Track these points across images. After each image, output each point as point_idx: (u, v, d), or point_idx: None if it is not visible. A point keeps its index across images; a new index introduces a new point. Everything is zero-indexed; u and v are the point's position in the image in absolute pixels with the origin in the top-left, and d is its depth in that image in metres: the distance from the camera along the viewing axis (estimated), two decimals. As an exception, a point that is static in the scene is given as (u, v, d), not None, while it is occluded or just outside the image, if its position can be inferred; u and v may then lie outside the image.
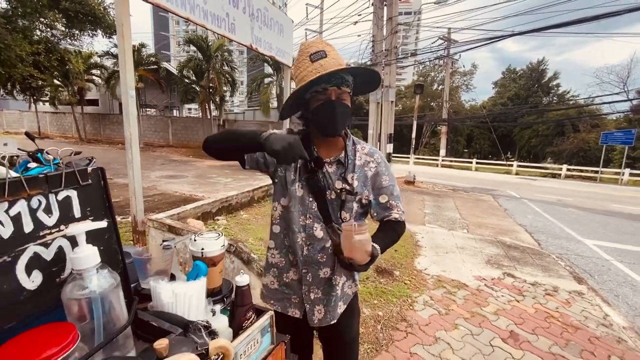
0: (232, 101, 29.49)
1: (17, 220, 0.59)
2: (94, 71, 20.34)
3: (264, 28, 5.04)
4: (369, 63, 13.95)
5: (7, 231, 0.57)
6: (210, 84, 17.18)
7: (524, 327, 2.70)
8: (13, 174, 0.68)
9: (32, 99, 18.68)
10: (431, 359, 2.25)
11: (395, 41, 12.93)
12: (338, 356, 1.26)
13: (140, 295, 0.76)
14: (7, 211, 0.58)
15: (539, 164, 23.19)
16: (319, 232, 1.12)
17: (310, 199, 1.12)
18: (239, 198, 5.47)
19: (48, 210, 0.64)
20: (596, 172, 17.40)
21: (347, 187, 1.10)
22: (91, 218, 0.69)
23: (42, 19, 7.45)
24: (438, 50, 19.57)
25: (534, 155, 30.90)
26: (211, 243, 0.84)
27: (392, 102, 12.66)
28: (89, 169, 0.68)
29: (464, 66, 33.10)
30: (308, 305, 1.18)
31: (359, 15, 16.05)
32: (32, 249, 0.61)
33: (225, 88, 18.64)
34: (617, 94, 22.27)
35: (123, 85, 3.00)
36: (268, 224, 1.23)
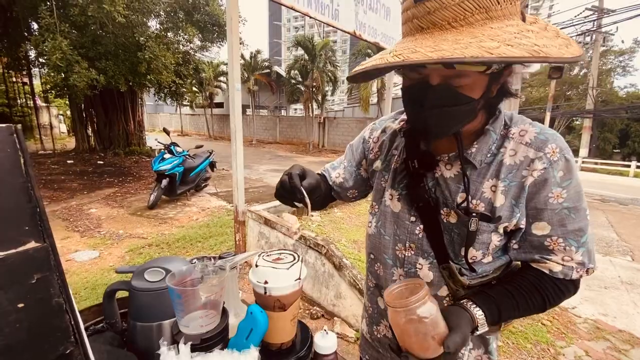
0: (333, 100, 30.30)
1: None
2: (221, 78, 23.69)
3: (369, 12, 4.68)
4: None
5: None
6: (314, 84, 17.86)
7: None
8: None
9: (177, 103, 23.02)
10: None
11: (525, 18, 10.85)
12: None
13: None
14: None
15: None
16: (425, 271, 0.70)
17: (413, 219, 0.71)
18: (335, 195, 5.30)
19: None
20: None
21: (480, 207, 0.63)
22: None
23: (183, 35, 8.82)
24: (584, 23, 15.58)
25: None
26: (280, 274, 0.53)
27: (516, 90, 10.68)
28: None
29: (623, 41, 25.77)
30: None
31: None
32: None
33: (327, 87, 19.15)
34: None
35: (230, 78, 3.09)
36: (362, 225, 0.87)
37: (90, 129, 11.62)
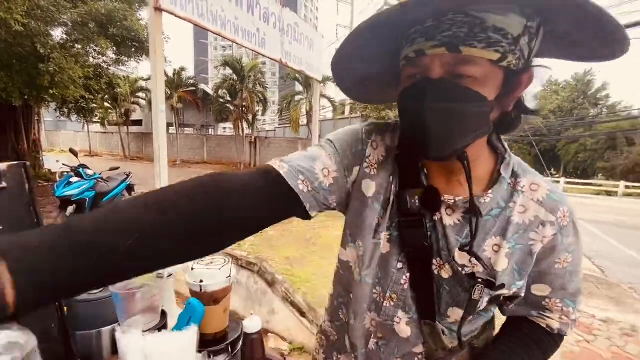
0: (264, 120, 30.43)
1: None
2: (139, 94, 21.93)
3: (294, 43, 5.05)
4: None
5: None
6: (244, 103, 17.82)
7: (601, 377, 2.22)
8: None
9: (85, 120, 20.43)
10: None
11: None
12: None
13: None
14: None
15: (590, 181, 21.34)
16: (403, 326, 0.59)
17: (400, 266, 0.57)
18: (267, 214, 5.36)
19: None
20: (661, 190, 15.56)
21: (482, 269, 0.52)
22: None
23: (94, 47, 8.08)
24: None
25: (582, 171, 28.65)
26: (213, 273, 0.65)
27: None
28: (5, 166, 0.50)
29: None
30: None
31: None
32: None
33: (257, 107, 19.27)
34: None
35: (154, 99, 3.03)
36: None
37: (-36, 149, 9.59)
